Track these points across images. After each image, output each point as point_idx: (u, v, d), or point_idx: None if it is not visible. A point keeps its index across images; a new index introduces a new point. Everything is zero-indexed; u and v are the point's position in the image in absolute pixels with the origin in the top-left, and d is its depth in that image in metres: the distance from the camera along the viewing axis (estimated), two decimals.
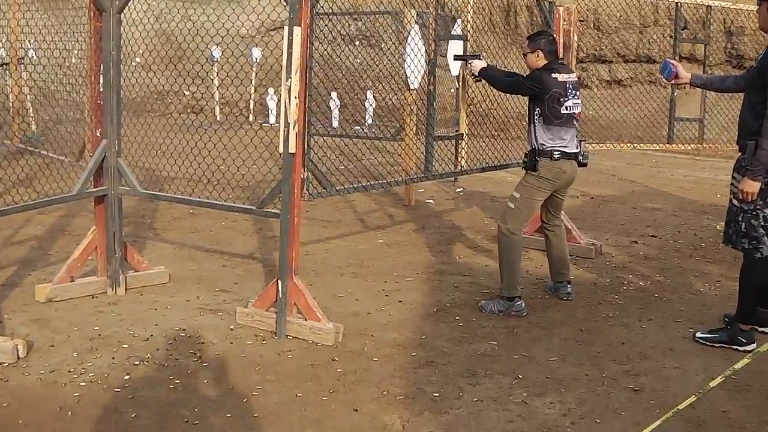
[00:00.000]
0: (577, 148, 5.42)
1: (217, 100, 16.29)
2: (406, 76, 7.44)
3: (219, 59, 15.19)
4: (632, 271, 6.48)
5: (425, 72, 7.14)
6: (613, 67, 17.42)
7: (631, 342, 4.85)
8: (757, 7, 4.72)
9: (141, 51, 5.43)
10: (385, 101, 14.33)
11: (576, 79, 5.49)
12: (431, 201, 9.28)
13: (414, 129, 8.10)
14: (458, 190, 9.78)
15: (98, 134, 5.43)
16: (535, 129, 5.33)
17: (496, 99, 6.64)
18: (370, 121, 14.94)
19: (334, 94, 14.81)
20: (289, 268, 4.73)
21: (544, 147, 5.29)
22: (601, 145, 7.61)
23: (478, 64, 5.69)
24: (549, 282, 5.81)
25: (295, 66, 4.45)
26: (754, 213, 4.66)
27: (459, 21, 7.08)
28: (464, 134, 6.26)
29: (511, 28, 17.67)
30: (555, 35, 6.60)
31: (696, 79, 5.39)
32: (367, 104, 14.73)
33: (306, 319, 4.76)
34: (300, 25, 4.45)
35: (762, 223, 4.66)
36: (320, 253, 6.85)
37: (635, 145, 7.79)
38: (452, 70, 7.10)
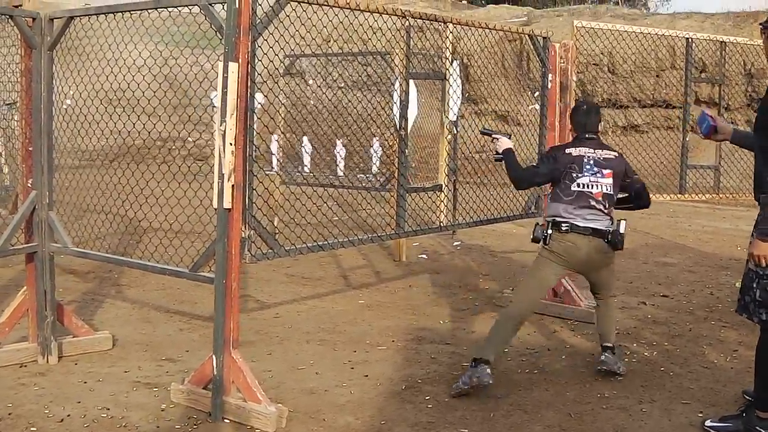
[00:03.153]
0: (603, 225, 4.77)
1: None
2: (393, 118, 6.81)
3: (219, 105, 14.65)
4: (637, 338, 5.75)
5: (415, 115, 6.54)
6: (629, 112, 16.78)
7: (628, 431, 4.10)
8: (763, 37, 4.04)
9: (72, 93, 4.86)
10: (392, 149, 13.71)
11: (604, 155, 4.87)
12: (424, 256, 8.59)
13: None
14: (456, 243, 9.07)
15: (29, 184, 4.87)
16: (549, 201, 4.97)
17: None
18: (375, 170, 14.29)
19: (339, 143, 14.22)
20: (226, 342, 4.08)
21: (554, 219, 4.82)
22: None
23: (505, 143, 4.99)
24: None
25: (231, 108, 3.85)
26: None
27: (456, 63, 6.50)
28: (443, 185, 5.59)
29: (524, 73, 17.14)
30: (552, 75, 6.07)
31: (737, 135, 4.69)
32: (372, 152, 14.14)
33: (246, 400, 4.08)
34: (237, 61, 3.85)
35: None
36: (291, 315, 6.19)
37: None
38: (450, 115, 6.45)
